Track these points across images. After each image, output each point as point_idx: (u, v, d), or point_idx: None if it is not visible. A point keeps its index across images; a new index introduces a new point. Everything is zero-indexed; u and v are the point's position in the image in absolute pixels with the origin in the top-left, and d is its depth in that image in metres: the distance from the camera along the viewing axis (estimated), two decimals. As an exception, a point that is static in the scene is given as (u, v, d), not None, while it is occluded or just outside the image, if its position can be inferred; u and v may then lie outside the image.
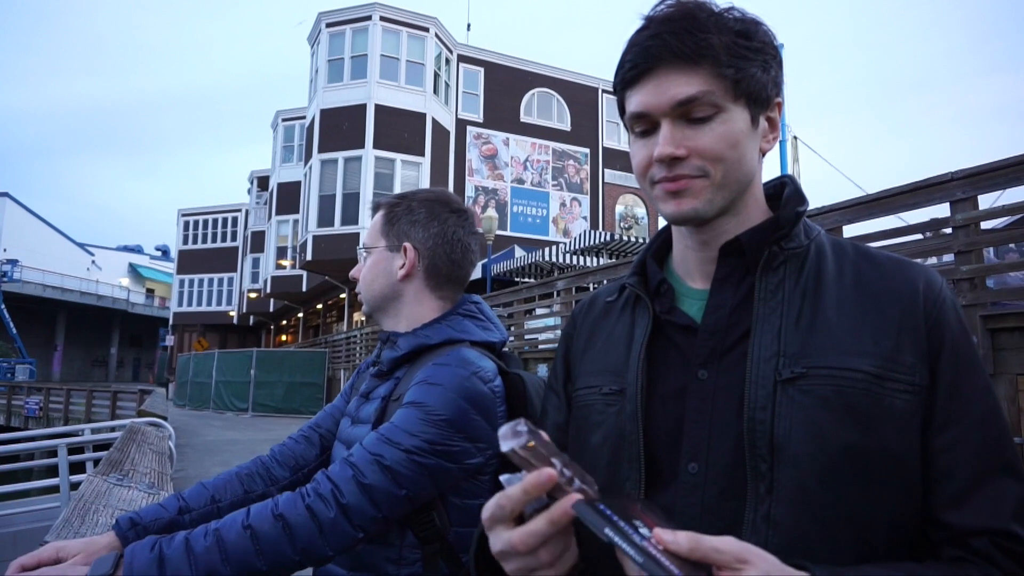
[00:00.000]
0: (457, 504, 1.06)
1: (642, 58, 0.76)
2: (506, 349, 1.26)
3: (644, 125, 0.79)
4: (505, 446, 0.58)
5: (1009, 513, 0.67)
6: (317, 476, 0.95)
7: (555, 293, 9.96)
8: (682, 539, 0.54)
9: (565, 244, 15.06)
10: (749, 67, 0.76)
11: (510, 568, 0.63)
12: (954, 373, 0.72)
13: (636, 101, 0.78)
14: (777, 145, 0.89)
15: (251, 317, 32.05)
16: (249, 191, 31.61)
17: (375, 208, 1.30)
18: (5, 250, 40.72)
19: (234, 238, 33.86)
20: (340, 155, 17.83)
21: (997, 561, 0.66)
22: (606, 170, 22.24)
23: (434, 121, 18.47)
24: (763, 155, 0.83)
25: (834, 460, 0.68)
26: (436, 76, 18.78)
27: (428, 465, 0.97)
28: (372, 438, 0.98)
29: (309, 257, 18.27)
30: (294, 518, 0.90)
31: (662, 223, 0.91)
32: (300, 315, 28.88)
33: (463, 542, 1.03)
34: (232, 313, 33.48)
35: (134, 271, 55.81)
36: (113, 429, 7.37)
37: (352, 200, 17.69)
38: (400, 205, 1.23)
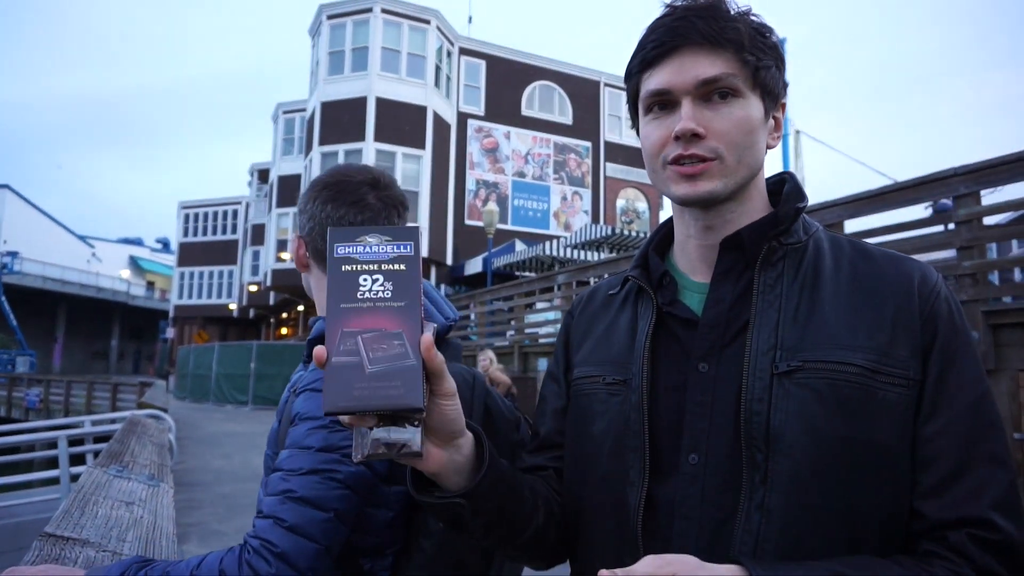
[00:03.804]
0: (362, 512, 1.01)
1: (669, 37, 0.79)
2: (450, 336, 1.17)
3: (662, 104, 0.80)
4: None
5: (989, 501, 0.68)
6: (246, 535, 0.93)
7: (556, 287, 9.96)
8: None
9: (566, 238, 15.06)
10: (766, 59, 0.79)
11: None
12: (942, 365, 0.73)
13: (658, 79, 0.80)
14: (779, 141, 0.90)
15: (251, 310, 32.03)
16: (250, 184, 31.58)
17: None
18: (5, 242, 40.71)
19: (234, 231, 33.82)
20: (340, 148, 17.78)
21: (970, 555, 0.66)
22: (607, 164, 22.19)
23: (435, 114, 18.42)
24: (767, 151, 0.84)
25: (827, 452, 0.70)
26: (437, 69, 18.72)
27: (340, 474, 0.94)
28: (275, 479, 0.95)
29: (309, 250, 18.23)
30: None
31: (663, 218, 0.92)
32: (300, 308, 28.87)
33: (368, 550, 1.01)
34: (232, 306, 33.48)
35: (134, 263, 55.83)
36: (113, 421, 7.41)
37: (353, 193, 17.62)
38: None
